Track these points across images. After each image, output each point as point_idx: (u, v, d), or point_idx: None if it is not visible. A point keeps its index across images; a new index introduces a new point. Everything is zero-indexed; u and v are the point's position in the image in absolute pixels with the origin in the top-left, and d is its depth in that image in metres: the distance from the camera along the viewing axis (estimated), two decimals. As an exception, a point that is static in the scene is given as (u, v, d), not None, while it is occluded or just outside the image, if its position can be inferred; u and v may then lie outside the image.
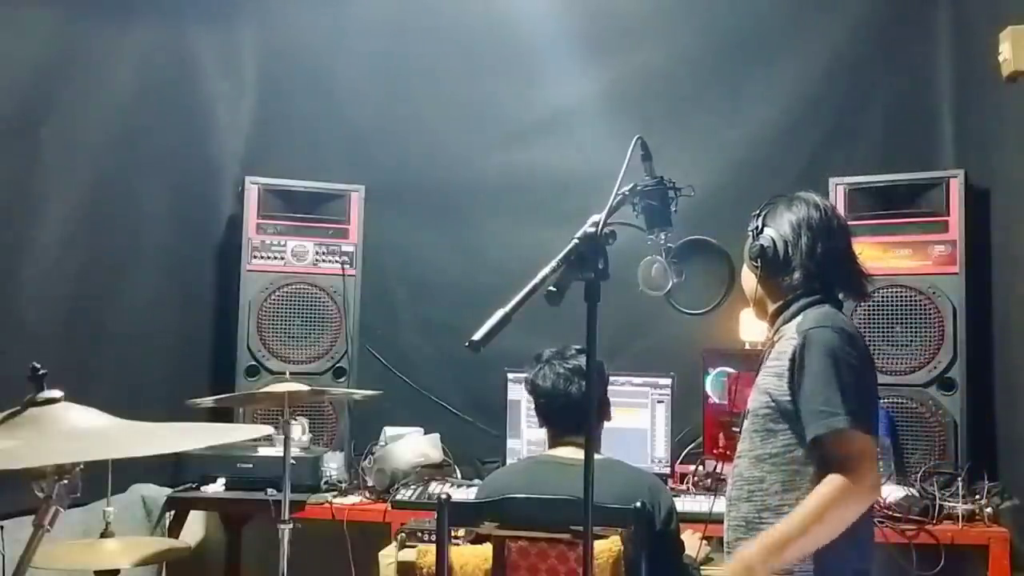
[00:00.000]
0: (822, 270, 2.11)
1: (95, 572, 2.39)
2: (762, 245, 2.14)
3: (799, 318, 2.08)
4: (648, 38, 4.01)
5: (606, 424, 2.54)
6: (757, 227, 2.18)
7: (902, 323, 3.30)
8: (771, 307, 2.18)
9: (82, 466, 1.22)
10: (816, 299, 2.10)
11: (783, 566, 1.98)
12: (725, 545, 2.17)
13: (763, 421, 2.08)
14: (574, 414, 2.45)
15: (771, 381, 2.07)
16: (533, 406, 2.60)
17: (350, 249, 3.80)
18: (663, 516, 2.35)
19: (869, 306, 3.31)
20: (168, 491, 3.40)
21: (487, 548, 2.25)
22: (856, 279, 2.18)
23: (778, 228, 2.15)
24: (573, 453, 2.39)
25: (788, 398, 2.03)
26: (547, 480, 2.36)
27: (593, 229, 1.66)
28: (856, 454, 1.94)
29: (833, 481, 1.93)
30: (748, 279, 2.21)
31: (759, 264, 2.15)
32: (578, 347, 2.46)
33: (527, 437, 3.47)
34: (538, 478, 2.39)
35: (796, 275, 2.11)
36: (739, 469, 2.15)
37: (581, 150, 3.93)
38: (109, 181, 3.38)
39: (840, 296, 2.19)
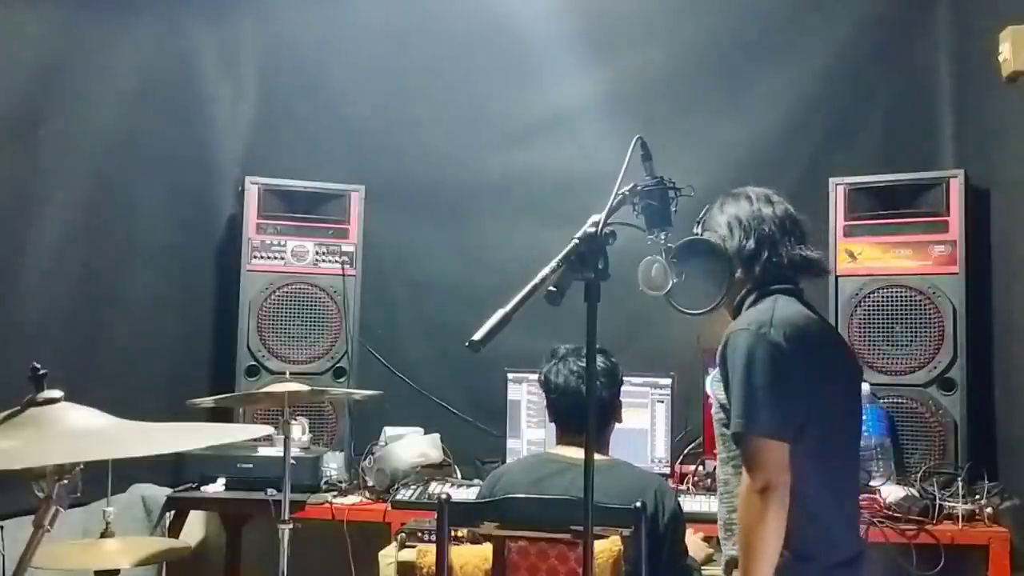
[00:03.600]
0: (755, 262, 2.05)
1: (95, 572, 2.39)
2: None
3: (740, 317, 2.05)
4: (648, 38, 4.01)
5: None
6: (697, 234, 2.14)
7: (902, 323, 3.30)
8: (732, 310, 2.13)
9: (82, 466, 1.22)
10: (757, 295, 2.05)
11: None
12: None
13: (718, 425, 2.08)
14: (584, 413, 2.43)
15: (715, 384, 2.06)
16: (545, 402, 2.58)
17: (350, 249, 3.80)
18: (666, 518, 2.35)
19: (869, 306, 3.32)
20: (168, 491, 3.40)
21: (487, 548, 2.25)
22: (800, 259, 2.07)
23: (715, 230, 2.12)
24: (578, 452, 2.38)
25: (725, 400, 2.00)
26: (552, 478, 2.37)
27: (593, 229, 1.66)
28: (748, 458, 1.91)
29: (740, 495, 1.93)
30: None
31: None
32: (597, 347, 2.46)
33: (527, 437, 3.47)
34: (543, 476, 2.40)
35: (737, 274, 2.07)
36: (716, 473, 2.18)
37: (581, 150, 3.92)
38: (109, 181, 3.39)
39: (799, 283, 2.10)
